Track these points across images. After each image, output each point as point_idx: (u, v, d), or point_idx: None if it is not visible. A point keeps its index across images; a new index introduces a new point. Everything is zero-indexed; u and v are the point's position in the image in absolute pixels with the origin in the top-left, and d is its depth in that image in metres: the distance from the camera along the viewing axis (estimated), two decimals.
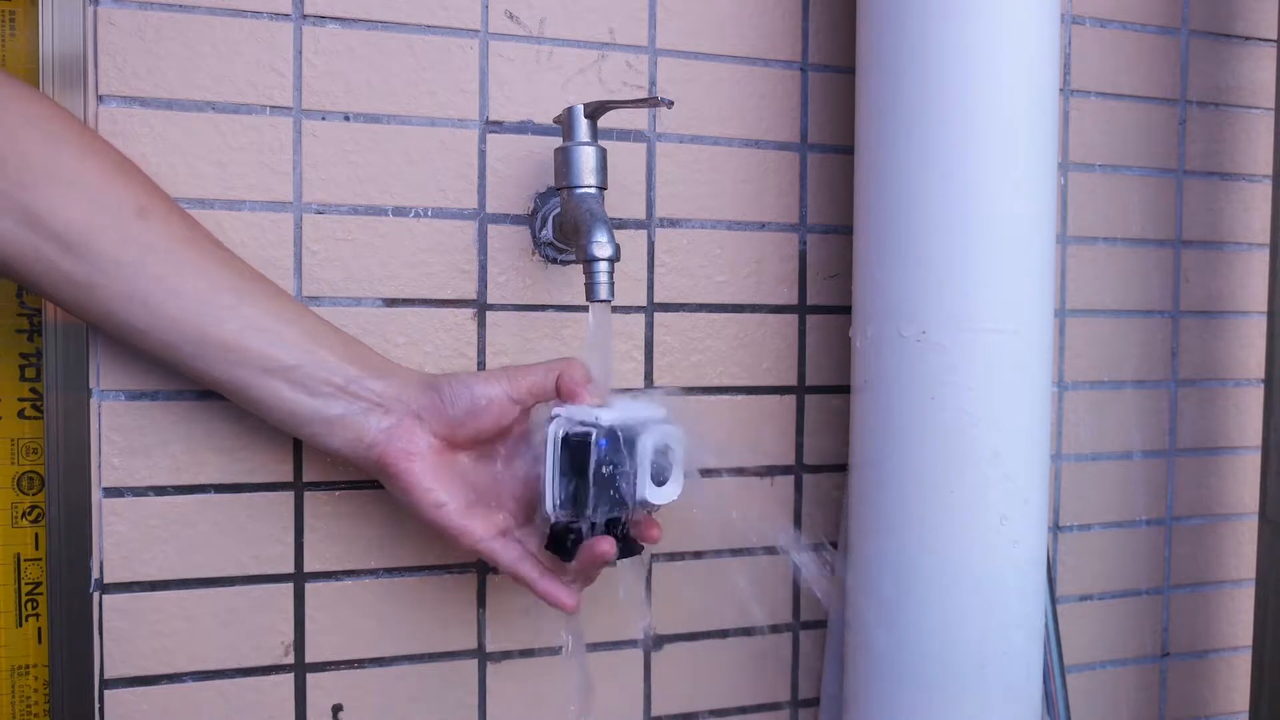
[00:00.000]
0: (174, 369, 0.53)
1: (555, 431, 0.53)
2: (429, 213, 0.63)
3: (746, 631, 0.72)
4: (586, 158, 0.57)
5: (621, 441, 0.52)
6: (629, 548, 0.55)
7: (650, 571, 0.69)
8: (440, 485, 0.54)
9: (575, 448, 0.52)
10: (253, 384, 0.52)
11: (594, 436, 0.52)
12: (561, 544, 0.54)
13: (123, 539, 0.59)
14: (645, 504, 0.54)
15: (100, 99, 0.57)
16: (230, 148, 0.59)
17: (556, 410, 0.54)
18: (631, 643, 0.69)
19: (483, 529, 0.54)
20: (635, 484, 0.53)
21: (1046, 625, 0.66)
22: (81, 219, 0.48)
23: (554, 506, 0.53)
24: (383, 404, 0.53)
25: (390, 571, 0.64)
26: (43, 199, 0.47)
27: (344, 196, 0.61)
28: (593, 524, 0.53)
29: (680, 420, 0.56)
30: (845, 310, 0.72)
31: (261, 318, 0.52)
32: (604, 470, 0.52)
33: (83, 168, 0.49)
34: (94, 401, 0.58)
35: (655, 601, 0.69)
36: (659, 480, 0.54)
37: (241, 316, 0.51)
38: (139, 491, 0.59)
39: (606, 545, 0.53)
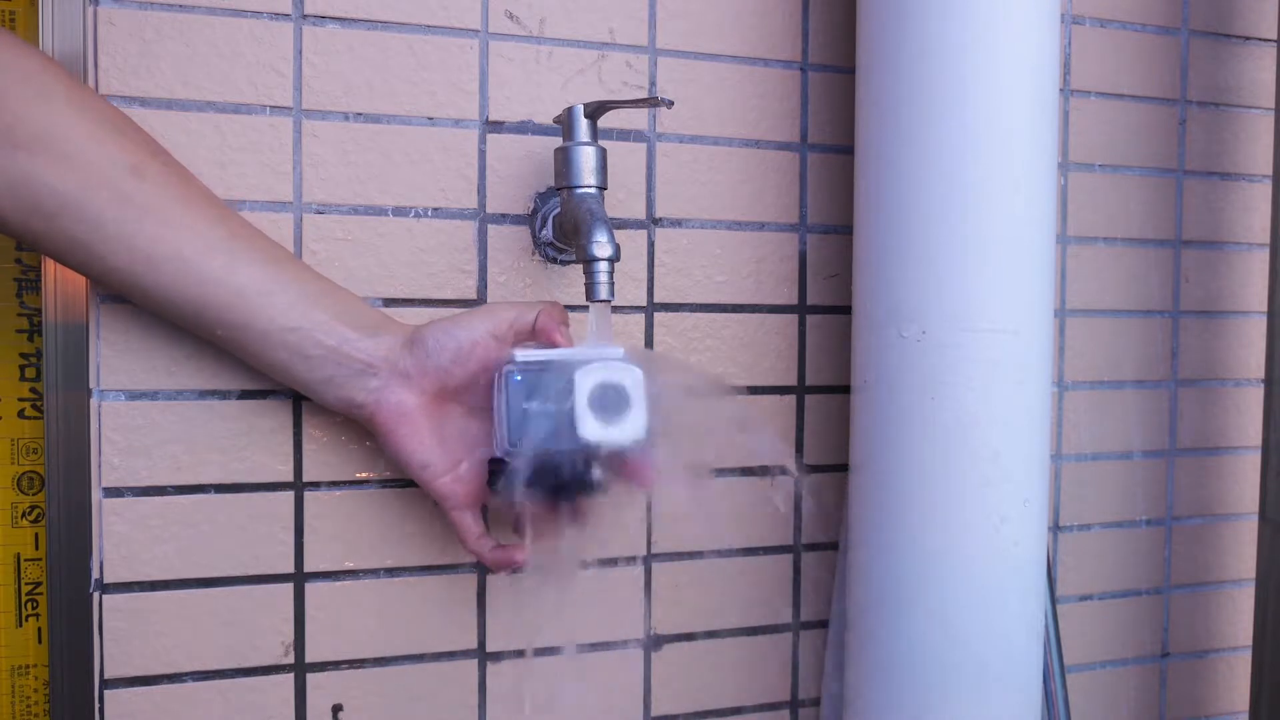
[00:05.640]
0: (180, 327, 0.55)
1: (505, 370, 0.54)
2: (429, 213, 0.63)
3: (746, 631, 0.72)
4: (586, 158, 0.57)
5: (556, 378, 0.53)
6: (585, 486, 0.53)
7: (650, 571, 0.69)
8: (426, 447, 0.54)
9: (513, 386, 0.53)
10: (250, 346, 0.53)
11: (509, 371, 0.53)
12: (493, 480, 0.54)
13: (123, 539, 0.59)
14: (590, 443, 0.52)
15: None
16: (230, 148, 0.59)
17: (515, 352, 0.55)
18: (632, 643, 0.69)
19: (464, 496, 0.56)
20: (575, 422, 0.52)
21: (1046, 625, 0.66)
22: (76, 179, 0.48)
23: (501, 444, 0.54)
24: (371, 365, 0.54)
25: (390, 571, 0.64)
26: (38, 159, 0.47)
27: (344, 196, 0.61)
28: (553, 463, 0.53)
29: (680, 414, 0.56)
30: (845, 310, 0.72)
31: (259, 280, 0.52)
32: (527, 406, 0.53)
33: (76, 127, 0.48)
34: (94, 401, 0.58)
35: (655, 601, 0.69)
36: (610, 419, 0.53)
37: (239, 278, 0.51)
38: (139, 491, 0.59)
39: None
